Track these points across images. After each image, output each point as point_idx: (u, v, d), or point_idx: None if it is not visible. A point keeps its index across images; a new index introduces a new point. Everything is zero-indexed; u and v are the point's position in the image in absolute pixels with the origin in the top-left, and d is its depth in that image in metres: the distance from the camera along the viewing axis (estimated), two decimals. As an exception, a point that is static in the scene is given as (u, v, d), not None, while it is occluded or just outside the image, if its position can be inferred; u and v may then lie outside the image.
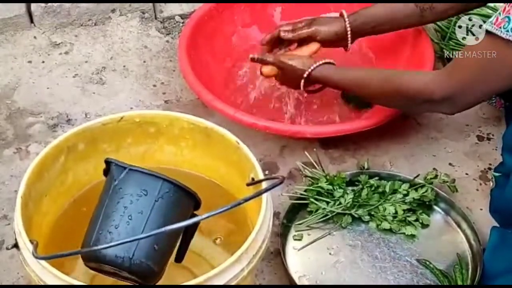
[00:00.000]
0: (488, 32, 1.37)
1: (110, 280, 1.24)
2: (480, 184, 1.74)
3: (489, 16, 2.01)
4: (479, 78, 1.41)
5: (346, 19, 1.77)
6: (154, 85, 2.01)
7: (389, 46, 1.98)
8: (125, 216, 1.17)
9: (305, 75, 1.66)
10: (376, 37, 1.99)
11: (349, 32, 1.77)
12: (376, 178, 1.67)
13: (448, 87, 1.45)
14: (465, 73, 1.43)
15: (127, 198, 1.18)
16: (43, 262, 1.13)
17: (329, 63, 1.68)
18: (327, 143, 1.82)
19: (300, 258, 1.55)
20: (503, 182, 1.59)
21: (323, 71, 1.66)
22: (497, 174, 1.62)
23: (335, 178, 1.64)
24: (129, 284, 1.22)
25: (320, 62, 1.66)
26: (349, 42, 1.79)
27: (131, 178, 1.19)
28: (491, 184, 1.65)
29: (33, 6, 2.12)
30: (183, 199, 1.21)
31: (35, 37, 2.14)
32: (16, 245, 1.18)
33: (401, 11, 1.76)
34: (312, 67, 1.66)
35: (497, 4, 1.86)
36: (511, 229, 1.52)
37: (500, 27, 1.33)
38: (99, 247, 1.05)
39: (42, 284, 1.14)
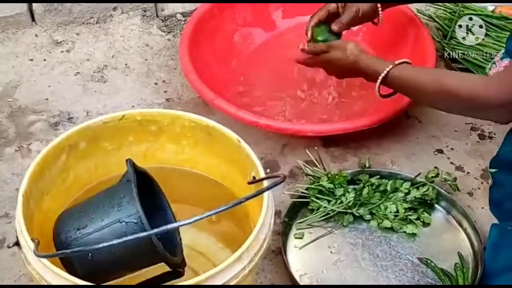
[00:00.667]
0: None
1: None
2: (482, 182, 1.74)
3: (491, 16, 2.02)
4: None
5: None
6: (156, 83, 2.01)
7: (390, 44, 1.98)
8: (92, 213, 1.19)
9: (380, 78, 1.59)
10: (376, 36, 1.99)
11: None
12: (377, 176, 1.67)
13: (504, 94, 1.40)
14: None
15: (107, 201, 1.20)
16: (44, 260, 1.13)
17: (407, 62, 1.61)
18: (329, 141, 1.82)
19: (301, 257, 1.55)
20: (500, 178, 1.59)
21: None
22: (492, 170, 1.62)
23: (336, 176, 1.64)
24: (131, 284, 1.23)
25: (398, 62, 1.60)
26: (380, 11, 1.74)
27: (127, 188, 1.19)
28: (490, 181, 1.65)
29: (35, 4, 2.12)
30: (145, 243, 1.16)
31: (36, 35, 2.14)
32: (17, 243, 1.18)
33: None
34: (388, 68, 1.58)
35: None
36: (510, 224, 1.52)
37: None
38: (99, 245, 1.05)
39: (44, 282, 1.14)
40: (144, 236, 1.06)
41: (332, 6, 1.73)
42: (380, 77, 1.58)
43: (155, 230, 1.05)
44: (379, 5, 1.74)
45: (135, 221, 1.16)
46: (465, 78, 1.53)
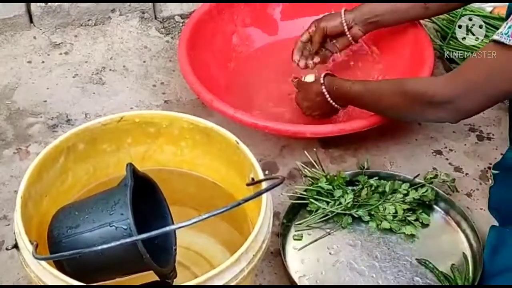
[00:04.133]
0: (494, 41, 1.37)
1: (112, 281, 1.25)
2: (480, 183, 1.74)
3: (489, 17, 2.03)
4: (481, 81, 1.40)
5: (343, 15, 1.82)
6: (154, 85, 2.01)
7: (389, 46, 1.98)
8: (86, 213, 1.19)
9: (323, 89, 1.70)
10: (376, 37, 1.99)
11: (344, 22, 1.81)
12: (376, 178, 1.67)
13: (450, 90, 1.44)
14: (467, 76, 1.43)
15: (102, 203, 1.20)
16: (43, 262, 1.13)
17: (330, 74, 1.73)
18: (327, 142, 1.82)
19: (300, 258, 1.55)
20: (502, 180, 1.60)
21: (334, 81, 1.70)
22: (495, 171, 1.62)
23: (335, 178, 1.64)
24: (130, 284, 1.22)
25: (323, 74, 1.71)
26: (347, 33, 1.83)
27: (122, 192, 1.19)
28: (490, 181, 1.65)
29: (33, 6, 2.12)
30: (131, 250, 1.15)
31: (34, 37, 2.14)
32: (16, 246, 1.18)
33: (404, 3, 1.79)
34: (321, 79, 1.70)
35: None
36: (509, 227, 1.52)
37: (501, 33, 1.34)
38: (99, 247, 1.05)
39: (42, 284, 1.14)
40: (129, 242, 1.05)
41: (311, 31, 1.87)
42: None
43: (139, 236, 1.05)
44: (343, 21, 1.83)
45: (125, 227, 1.16)
46: (418, 79, 1.61)
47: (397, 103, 1.55)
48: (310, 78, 1.82)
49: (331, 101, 1.70)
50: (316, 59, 1.88)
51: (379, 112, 1.66)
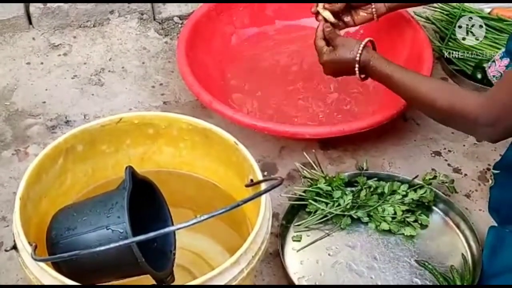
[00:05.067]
0: None
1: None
2: (479, 184, 1.74)
3: (487, 18, 2.03)
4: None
5: None
6: (153, 86, 2.01)
7: (387, 46, 1.98)
8: (84, 215, 1.19)
9: (356, 63, 1.59)
10: (375, 38, 1.99)
11: None
12: (375, 179, 1.67)
13: (491, 112, 1.38)
14: (502, 97, 1.37)
15: (100, 205, 1.20)
16: (42, 264, 1.13)
17: (371, 41, 1.63)
18: (326, 144, 1.82)
19: (299, 259, 1.55)
20: (502, 180, 1.59)
21: (372, 58, 1.59)
22: (496, 171, 1.62)
23: (334, 179, 1.64)
24: (130, 284, 1.22)
25: (364, 42, 1.60)
26: (373, 7, 1.76)
27: (120, 195, 1.19)
28: (490, 182, 1.65)
29: (32, 7, 2.12)
30: (127, 254, 1.15)
31: (33, 39, 2.14)
32: (15, 247, 1.18)
33: None
34: (359, 51, 1.59)
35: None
36: (508, 227, 1.52)
37: None
38: (96, 249, 1.05)
39: (41, 285, 1.14)
40: (124, 245, 1.05)
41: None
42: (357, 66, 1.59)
43: (134, 239, 1.05)
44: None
45: (121, 230, 1.15)
46: (466, 94, 1.48)
47: (436, 109, 1.48)
48: (327, 14, 1.72)
49: (357, 71, 1.61)
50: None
51: (411, 104, 1.62)
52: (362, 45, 1.60)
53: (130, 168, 1.22)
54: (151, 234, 1.02)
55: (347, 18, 1.78)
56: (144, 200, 1.28)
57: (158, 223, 1.29)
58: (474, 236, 1.56)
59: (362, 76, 1.62)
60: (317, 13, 1.74)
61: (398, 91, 1.58)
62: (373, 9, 1.77)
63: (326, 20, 1.72)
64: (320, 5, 1.74)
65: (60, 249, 1.18)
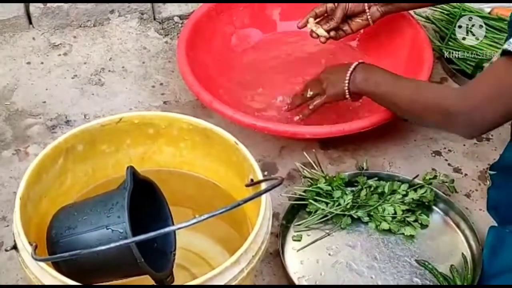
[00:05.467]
0: (505, 52, 1.34)
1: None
2: (479, 184, 1.74)
3: (487, 18, 2.03)
4: (494, 94, 1.36)
5: None
6: (153, 86, 2.01)
7: (387, 46, 1.98)
8: (85, 214, 1.20)
9: (346, 80, 1.65)
10: (374, 38, 1.99)
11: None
12: (375, 178, 1.67)
13: (465, 102, 1.40)
14: (480, 89, 1.39)
15: (101, 205, 1.19)
16: (42, 263, 1.13)
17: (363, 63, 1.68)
18: (326, 143, 1.82)
19: (299, 259, 1.55)
20: (499, 181, 1.60)
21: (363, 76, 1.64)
22: (492, 172, 1.62)
23: (334, 178, 1.64)
24: (130, 284, 1.22)
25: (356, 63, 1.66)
26: (367, 11, 1.81)
27: (120, 195, 1.19)
28: (488, 183, 1.65)
29: (32, 7, 2.12)
30: (127, 254, 1.14)
31: (33, 38, 2.14)
32: (15, 247, 1.18)
33: None
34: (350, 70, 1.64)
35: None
36: (508, 227, 1.52)
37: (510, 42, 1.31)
38: (95, 249, 1.05)
39: (42, 285, 1.14)
40: (123, 245, 1.05)
41: (329, 5, 1.82)
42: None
43: (132, 239, 1.05)
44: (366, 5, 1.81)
45: (121, 230, 1.15)
46: (433, 87, 1.56)
47: (413, 109, 1.54)
48: (321, 31, 1.81)
49: (348, 96, 1.66)
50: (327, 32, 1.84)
51: (398, 113, 1.66)
52: (352, 67, 1.65)
53: (132, 168, 1.22)
54: (151, 234, 1.02)
55: (345, 27, 1.85)
56: (145, 200, 1.28)
57: (159, 223, 1.29)
58: (474, 236, 1.56)
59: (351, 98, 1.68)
60: (311, 31, 1.83)
61: (382, 103, 1.65)
62: (368, 16, 1.82)
63: (318, 35, 1.83)
64: (311, 21, 1.83)
65: (60, 248, 1.18)
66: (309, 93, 1.73)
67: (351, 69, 1.65)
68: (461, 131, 1.48)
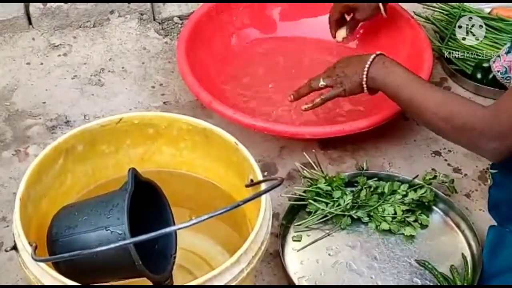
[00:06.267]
0: None
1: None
2: (479, 184, 1.74)
3: (487, 18, 2.03)
4: None
5: None
6: (153, 87, 2.01)
7: (387, 46, 1.98)
8: (85, 215, 1.19)
9: (364, 73, 1.59)
10: (373, 38, 1.99)
11: None
12: (375, 179, 1.67)
13: (497, 124, 1.35)
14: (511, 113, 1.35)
15: (102, 206, 1.19)
16: (42, 264, 1.12)
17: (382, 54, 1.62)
18: (326, 144, 1.82)
19: (299, 259, 1.55)
20: (500, 179, 1.59)
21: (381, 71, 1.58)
22: (493, 171, 1.62)
23: (334, 179, 1.64)
24: (129, 284, 1.22)
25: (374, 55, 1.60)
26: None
27: (121, 197, 1.19)
28: (489, 182, 1.65)
29: (32, 7, 2.12)
30: (125, 256, 1.14)
31: (33, 39, 2.14)
32: (15, 247, 1.18)
33: None
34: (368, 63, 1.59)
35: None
36: (508, 227, 1.52)
37: None
38: (93, 250, 1.05)
39: (41, 285, 1.14)
40: (120, 246, 1.04)
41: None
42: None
43: (129, 241, 1.05)
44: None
45: (120, 231, 1.15)
46: (465, 105, 1.45)
47: (443, 129, 1.47)
48: (341, 33, 1.86)
49: (365, 86, 1.61)
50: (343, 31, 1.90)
51: (416, 120, 1.66)
52: (371, 59, 1.60)
53: (133, 170, 1.22)
54: (149, 235, 1.01)
55: (351, 21, 1.90)
56: (147, 202, 1.28)
57: (160, 225, 1.29)
58: (474, 236, 1.56)
59: (368, 91, 1.63)
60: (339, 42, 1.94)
61: (403, 107, 1.60)
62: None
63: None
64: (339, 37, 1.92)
65: (59, 247, 1.18)
66: (321, 83, 1.67)
67: (368, 62, 1.59)
68: (487, 155, 1.46)
